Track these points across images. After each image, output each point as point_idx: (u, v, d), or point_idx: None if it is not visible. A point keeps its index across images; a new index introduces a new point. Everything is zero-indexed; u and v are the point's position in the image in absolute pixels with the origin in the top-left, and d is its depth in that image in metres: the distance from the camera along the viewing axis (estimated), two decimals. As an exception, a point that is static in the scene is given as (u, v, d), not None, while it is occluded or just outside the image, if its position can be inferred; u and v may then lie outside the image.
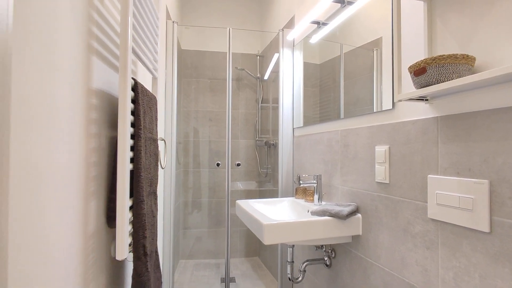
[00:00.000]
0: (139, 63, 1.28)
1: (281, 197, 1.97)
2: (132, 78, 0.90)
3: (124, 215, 0.77)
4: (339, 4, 1.45)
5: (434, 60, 0.80)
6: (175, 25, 1.92)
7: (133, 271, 0.87)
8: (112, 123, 0.93)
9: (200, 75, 2.84)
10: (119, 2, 1.00)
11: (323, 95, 1.65)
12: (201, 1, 2.89)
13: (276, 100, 2.48)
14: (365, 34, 1.30)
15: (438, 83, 0.79)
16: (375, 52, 1.25)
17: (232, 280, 2.43)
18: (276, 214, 1.60)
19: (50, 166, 0.60)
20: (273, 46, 2.55)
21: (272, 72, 2.63)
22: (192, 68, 2.82)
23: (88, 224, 0.78)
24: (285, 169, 2.01)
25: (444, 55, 0.78)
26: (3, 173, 0.44)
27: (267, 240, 1.13)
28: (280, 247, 2.01)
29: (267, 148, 2.67)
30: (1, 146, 0.43)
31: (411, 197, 0.99)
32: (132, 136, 0.91)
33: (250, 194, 2.92)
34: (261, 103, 2.89)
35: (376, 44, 1.24)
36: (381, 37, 1.20)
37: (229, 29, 1.92)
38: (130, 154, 0.84)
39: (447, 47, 0.89)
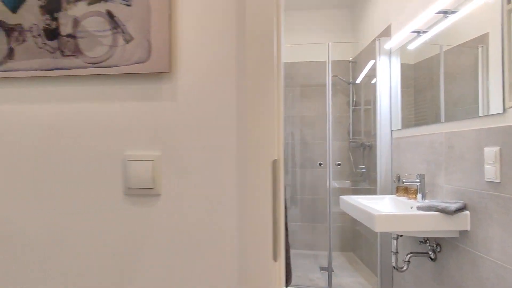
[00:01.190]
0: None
1: (380, 195, 2.11)
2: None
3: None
4: (442, 14, 1.55)
5: (546, 71, 0.89)
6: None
7: (278, 242, 1.19)
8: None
9: (294, 84, 3.15)
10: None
11: (418, 95, 1.69)
12: (296, 16, 3.19)
13: (368, 103, 2.60)
14: (468, 31, 1.25)
15: (551, 92, 0.89)
16: (480, 49, 1.21)
17: (331, 270, 2.65)
18: (380, 208, 1.76)
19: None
20: (366, 52, 2.68)
21: (364, 76, 2.76)
22: (289, 78, 3.14)
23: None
24: (383, 169, 2.14)
25: (557, 66, 0.87)
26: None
27: (378, 228, 1.33)
28: (379, 241, 2.14)
29: (362, 149, 2.80)
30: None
31: (524, 194, 1.07)
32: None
33: (344, 192, 3.09)
34: (353, 106, 3.03)
35: (481, 40, 1.18)
36: (487, 33, 1.15)
37: (329, 44, 2.15)
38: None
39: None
